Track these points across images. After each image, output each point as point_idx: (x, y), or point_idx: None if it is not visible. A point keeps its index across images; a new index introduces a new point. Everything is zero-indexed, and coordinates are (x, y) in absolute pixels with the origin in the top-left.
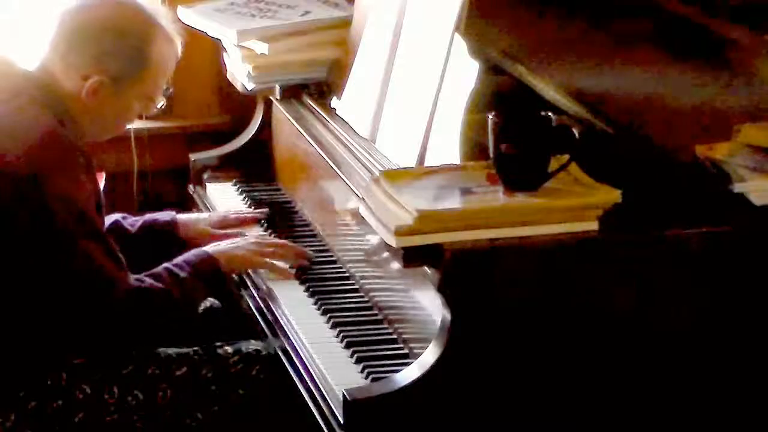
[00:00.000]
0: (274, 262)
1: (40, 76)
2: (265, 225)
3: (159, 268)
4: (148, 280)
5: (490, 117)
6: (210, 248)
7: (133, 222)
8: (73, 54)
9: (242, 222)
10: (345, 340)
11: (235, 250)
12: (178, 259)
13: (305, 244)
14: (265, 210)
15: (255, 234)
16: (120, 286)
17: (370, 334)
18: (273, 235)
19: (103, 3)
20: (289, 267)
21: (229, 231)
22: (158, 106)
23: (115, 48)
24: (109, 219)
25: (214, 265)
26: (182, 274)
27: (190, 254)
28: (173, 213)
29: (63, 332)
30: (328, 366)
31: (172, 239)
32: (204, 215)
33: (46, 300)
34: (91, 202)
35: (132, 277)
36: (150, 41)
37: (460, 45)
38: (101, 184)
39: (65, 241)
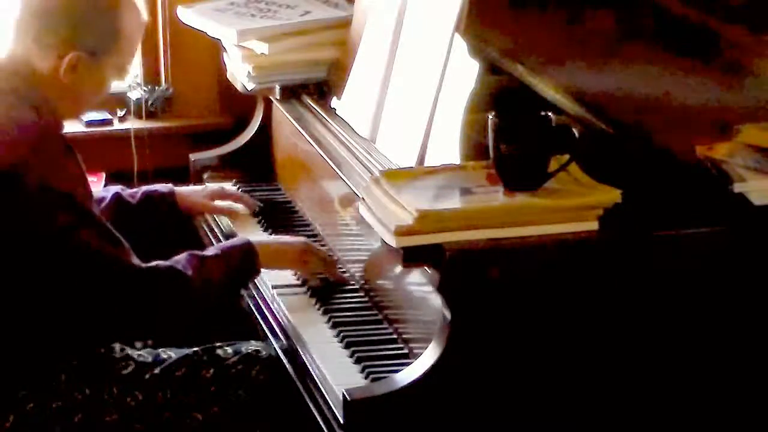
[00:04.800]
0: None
1: (10, 65)
2: (264, 225)
3: (184, 253)
4: (157, 261)
5: (490, 117)
6: (253, 237)
7: (132, 193)
8: (46, 34)
9: (237, 197)
10: (345, 340)
11: (284, 246)
12: (217, 244)
13: None
14: (259, 204)
15: (303, 238)
16: (122, 265)
17: (370, 334)
18: (273, 236)
19: None
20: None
21: (222, 205)
22: (130, 76)
23: (89, 22)
24: (108, 191)
25: (251, 253)
26: (206, 254)
27: (230, 240)
28: (171, 185)
29: (71, 323)
30: (328, 366)
31: (171, 209)
32: (200, 187)
33: (46, 295)
34: (77, 188)
35: (136, 258)
36: (120, 11)
37: (460, 45)
38: (101, 184)
39: (58, 230)
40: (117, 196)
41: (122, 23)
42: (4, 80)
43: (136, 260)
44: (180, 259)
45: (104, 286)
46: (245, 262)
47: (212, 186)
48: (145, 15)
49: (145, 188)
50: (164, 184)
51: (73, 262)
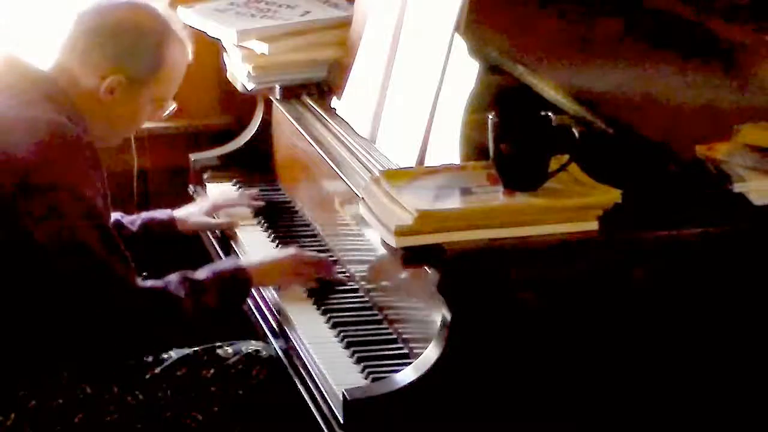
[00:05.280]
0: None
1: (52, 76)
2: (265, 224)
3: (176, 273)
4: (151, 282)
5: (490, 117)
6: (244, 259)
7: (132, 221)
8: (91, 53)
9: (233, 206)
10: (345, 340)
11: (274, 263)
12: (208, 266)
13: (305, 244)
14: (260, 201)
15: (292, 249)
16: (123, 283)
17: (370, 334)
18: (273, 236)
19: (121, 5)
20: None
21: (222, 221)
22: (169, 110)
23: (134, 48)
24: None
25: (242, 275)
26: (199, 277)
27: (220, 261)
28: (170, 211)
29: (65, 331)
30: (328, 366)
31: (171, 236)
32: (196, 206)
33: (49, 297)
34: (98, 198)
35: (138, 279)
36: (166, 44)
37: (460, 45)
38: None
39: (71, 236)
40: (117, 223)
41: (167, 57)
42: (44, 87)
43: (138, 281)
44: (172, 280)
45: (101, 301)
46: (237, 285)
47: (206, 201)
48: (190, 56)
49: (144, 216)
50: (162, 210)
51: (80, 270)
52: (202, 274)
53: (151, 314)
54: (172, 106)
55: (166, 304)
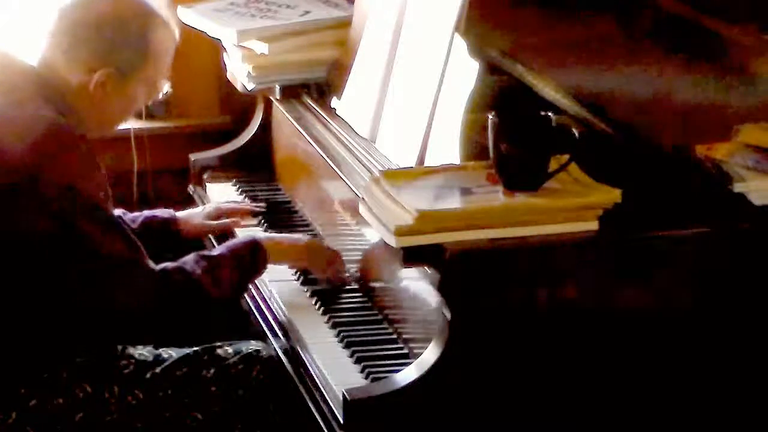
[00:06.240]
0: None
1: (40, 71)
2: (265, 225)
3: (191, 254)
4: (165, 264)
5: (490, 117)
6: (260, 235)
7: (133, 218)
8: (77, 49)
9: (236, 212)
10: (345, 340)
11: (290, 242)
12: (223, 244)
13: None
14: (262, 204)
15: (308, 236)
16: (137, 270)
17: (370, 334)
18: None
19: None
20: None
21: (224, 221)
22: (163, 92)
23: (119, 39)
24: None
25: (258, 247)
26: (214, 254)
27: (235, 238)
28: (172, 211)
29: (75, 326)
30: (328, 366)
31: (171, 235)
32: (199, 209)
33: (56, 294)
34: (98, 192)
35: (150, 261)
36: (150, 29)
37: (460, 45)
38: None
39: (79, 231)
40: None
41: (153, 42)
42: (34, 84)
43: (150, 263)
44: (188, 260)
45: (117, 288)
46: (252, 258)
47: (209, 206)
48: (177, 33)
49: (145, 213)
50: (164, 210)
51: (90, 263)
52: (217, 250)
53: (171, 294)
54: (166, 87)
55: (185, 283)
